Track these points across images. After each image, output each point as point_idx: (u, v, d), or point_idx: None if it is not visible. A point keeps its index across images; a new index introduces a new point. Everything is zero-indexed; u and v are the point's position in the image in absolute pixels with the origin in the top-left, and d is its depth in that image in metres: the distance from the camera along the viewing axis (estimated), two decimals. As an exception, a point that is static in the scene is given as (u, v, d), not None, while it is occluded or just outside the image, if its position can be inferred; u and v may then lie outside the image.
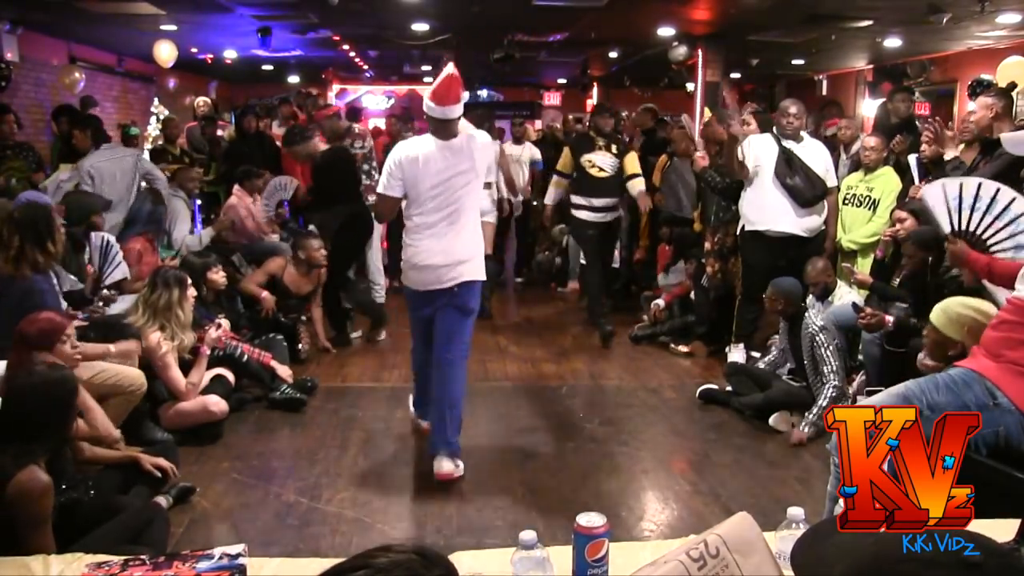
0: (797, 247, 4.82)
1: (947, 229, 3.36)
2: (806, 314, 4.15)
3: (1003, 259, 3.16)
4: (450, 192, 3.54)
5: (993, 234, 3.28)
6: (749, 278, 4.99)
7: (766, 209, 4.81)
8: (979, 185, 3.31)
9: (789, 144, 4.81)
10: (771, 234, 4.82)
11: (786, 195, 4.75)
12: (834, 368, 3.99)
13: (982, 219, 3.29)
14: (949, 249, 3.35)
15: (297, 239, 5.55)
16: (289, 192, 6.44)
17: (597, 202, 5.85)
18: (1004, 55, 8.13)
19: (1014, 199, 3.26)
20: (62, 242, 3.60)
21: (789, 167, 4.75)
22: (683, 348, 5.62)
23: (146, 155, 8.07)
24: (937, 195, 3.39)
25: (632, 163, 5.89)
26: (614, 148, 5.85)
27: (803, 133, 4.94)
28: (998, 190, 3.27)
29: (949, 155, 4.04)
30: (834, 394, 3.96)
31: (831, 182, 4.93)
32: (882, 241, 4.65)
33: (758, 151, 4.84)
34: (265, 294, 5.16)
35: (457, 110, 3.49)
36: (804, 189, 4.75)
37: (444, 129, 3.50)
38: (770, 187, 4.77)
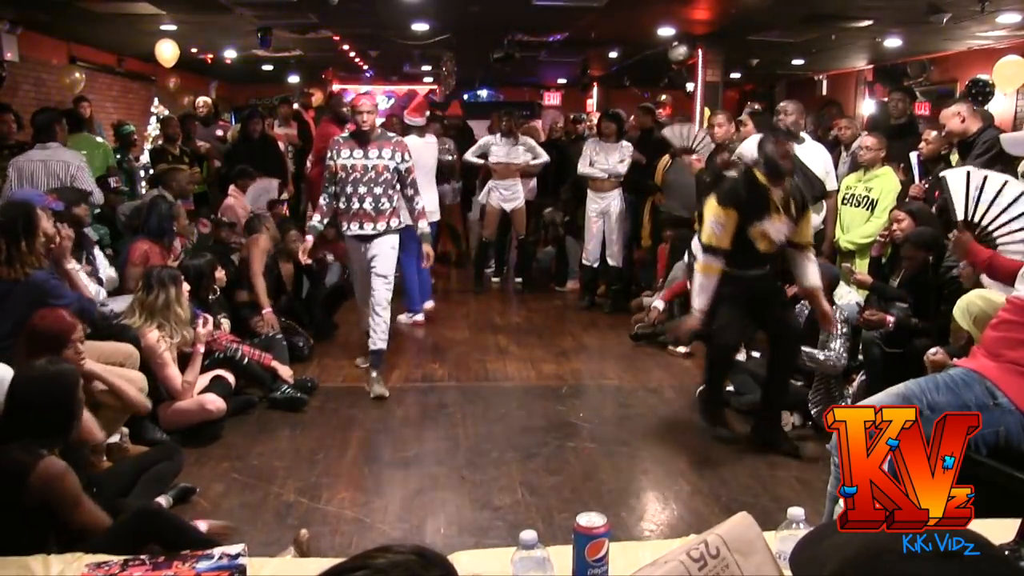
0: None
1: (960, 216, 3.33)
2: (835, 305, 4.20)
3: (1006, 256, 3.16)
4: (428, 165, 6.36)
5: (1005, 234, 3.26)
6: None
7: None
8: (1004, 183, 3.28)
9: (788, 144, 4.80)
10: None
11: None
12: (839, 348, 4.06)
13: (997, 217, 3.26)
14: (955, 237, 3.32)
15: (259, 223, 5.49)
16: (273, 194, 6.76)
17: (755, 271, 3.86)
18: (1004, 55, 8.13)
19: None
20: (47, 240, 3.50)
21: (789, 167, 4.73)
22: (683, 348, 5.62)
23: (145, 163, 8.04)
24: (960, 181, 3.36)
25: (807, 227, 3.91)
26: (792, 208, 3.72)
27: (803, 134, 4.93)
28: (1022, 193, 3.25)
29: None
30: (828, 361, 4.06)
31: (831, 185, 4.93)
32: (878, 242, 4.65)
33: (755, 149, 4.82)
34: (268, 311, 5.06)
35: (423, 120, 6.53)
36: (803, 189, 4.73)
37: (420, 131, 6.45)
38: (770, 187, 4.75)
